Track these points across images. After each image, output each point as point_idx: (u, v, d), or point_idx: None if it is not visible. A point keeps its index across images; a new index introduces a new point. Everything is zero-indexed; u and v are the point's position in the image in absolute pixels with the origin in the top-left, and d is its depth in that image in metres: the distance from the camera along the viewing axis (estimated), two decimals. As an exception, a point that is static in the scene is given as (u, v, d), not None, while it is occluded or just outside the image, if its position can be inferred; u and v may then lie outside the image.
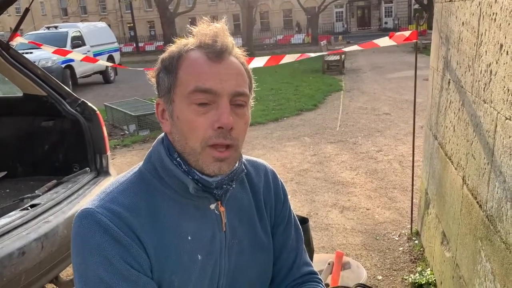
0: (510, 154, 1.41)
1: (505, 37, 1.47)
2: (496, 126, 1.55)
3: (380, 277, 2.87)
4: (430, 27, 18.68)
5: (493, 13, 1.59)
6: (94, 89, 13.71)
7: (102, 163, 2.78)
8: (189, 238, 0.90)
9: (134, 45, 34.71)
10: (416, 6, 33.02)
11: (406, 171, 4.68)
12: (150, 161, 0.93)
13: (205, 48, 0.87)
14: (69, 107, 2.78)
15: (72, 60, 12.15)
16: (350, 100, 9.21)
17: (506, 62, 1.45)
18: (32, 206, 2.23)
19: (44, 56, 11.50)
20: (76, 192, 2.47)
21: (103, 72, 14.82)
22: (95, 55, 13.78)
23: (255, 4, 25.70)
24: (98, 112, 2.85)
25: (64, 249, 2.13)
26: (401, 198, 4.07)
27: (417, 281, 2.70)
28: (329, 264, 2.25)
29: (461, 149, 2.05)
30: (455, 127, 2.19)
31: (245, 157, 1.05)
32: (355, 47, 3.69)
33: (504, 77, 1.47)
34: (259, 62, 3.42)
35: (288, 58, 3.45)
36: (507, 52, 1.45)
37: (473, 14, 1.88)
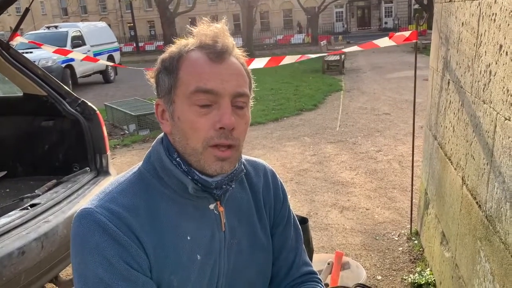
0: (510, 155, 1.41)
1: (505, 38, 1.47)
2: (495, 126, 1.55)
3: (379, 277, 2.87)
4: (430, 27, 18.68)
5: (493, 14, 1.60)
6: (94, 88, 13.71)
7: (102, 163, 2.79)
8: (188, 238, 0.90)
9: (134, 44, 34.71)
10: (416, 6, 33.02)
11: (406, 171, 4.69)
12: (149, 161, 0.93)
13: (205, 49, 0.87)
14: (69, 107, 2.78)
15: (72, 60, 12.15)
16: (350, 100, 9.21)
17: (506, 63, 1.46)
18: (32, 205, 2.23)
19: (44, 55, 11.50)
20: (76, 191, 2.47)
21: (103, 72, 14.82)
22: (95, 54, 13.78)
23: (255, 4, 25.67)
24: (98, 112, 2.85)
25: (64, 248, 2.13)
26: (401, 198, 4.07)
27: (416, 281, 2.71)
28: (328, 264, 2.25)
29: (461, 149, 2.05)
30: (455, 127, 2.19)
31: (244, 157, 1.05)
32: (355, 48, 3.69)
33: (504, 77, 1.47)
34: (259, 63, 3.42)
35: (288, 60, 3.45)
36: (507, 52, 1.45)
37: (472, 14, 1.89)
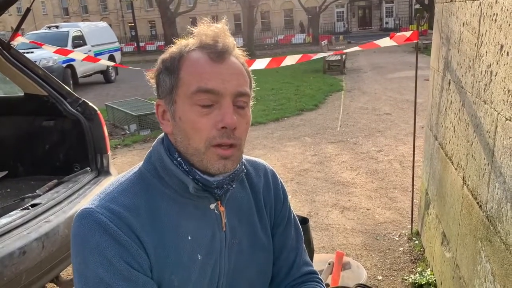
0: (510, 155, 1.41)
1: (506, 38, 1.47)
2: (496, 126, 1.55)
3: (380, 277, 2.87)
4: (431, 27, 18.66)
5: (494, 14, 1.60)
6: (95, 88, 13.72)
7: (102, 163, 2.79)
8: (189, 238, 0.90)
9: (135, 44, 34.73)
10: (417, 6, 33.01)
11: (407, 171, 4.68)
12: (150, 161, 0.94)
13: (206, 49, 0.87)
14: (70, 107, 2.79)
15: (73, 60, 12.16)
16: (351, 100, 9.20)
17: (507, 63, 1.45)
18: (33, 205, 2.24)
19: (45, 55, 11.52)
20: (76, 191, 2.48)
21: (104, 72, 14.83)
22: (96, 54, 13.79)
23: (256, 4, 25.67)
24: (99, 112, 2.85)
25: (64, 248, 2.13)
26: (402, 198, 4.07)
27: (417, 281, 2.70)
28: (329, 264, 2.25)
29: (462, 149, 2.05)
30: (456, 127, 2.19)
31: (245, 157, 1.05)
32: (356, 48, 3.69)
33: (505, 77, 1.47)
34: (260, 64, 3.42)
35: (289, 60, 3.45)
36: (508, 53, 1.45)
37: (473, 14, 1.88)
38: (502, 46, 1.50)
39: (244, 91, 0.88)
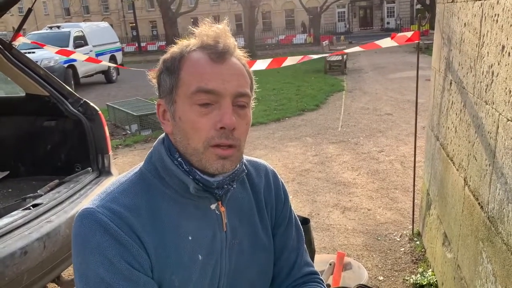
0: (512, 156, 1.41)
1: (507, 39, 1.47)
2: (497, 127, 1.54)
3: (381, 278, 2.87)
4: (432, 27, 18.65)
5: (495, 14, 1.59)
6: (96, 88, 13.74)
7: (104, 163, 2.79)
8: (190, 238, 0.90)
9: (136, 44, 34.76)
10: (418, 6, 32.98)
11: (408, 171, 4.68)
12: (150, 161, 0.94)
13: (207, 49, 0.87)
14: (71, 107, 2.79)
15: (74, 60, 12.18)
16: (352, 100, 9.20)
17: (508, 64, 1.45)
18: (34, 205, 2.24)
19: (46, 55, 11.54)
20: (78, 192, 2.48)
21: (105, 72, 14.85)
22: (98, 55, 13.82)
23: (257, 4, 25.67)
24: (100, 112, 2.86)
25: (66, 248, 2.14)
26: (403, 199, 4.07)
27: (418, 282, 2.70)
28: (330, 264, 2.25)
29: (463, 150, 2.05)
30: (457, 128, 2.19)
31: (245, 157, 1.05)
32: (357, 48, 3.69)
33: (506, 78, 1.47)
34: (261, 65, 3.42)
35: (290, 61, 3.45)
36: (509, 53, 1.44)
37: (475, 15, 1.88)
38: (503, 47, 1.50)
39: (244, 92, 0.88)
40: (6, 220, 2.05)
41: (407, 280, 2.80)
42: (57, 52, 4.68)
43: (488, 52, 1.68)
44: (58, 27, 14.65)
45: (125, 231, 0.83)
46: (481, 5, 1.78)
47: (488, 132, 1.65)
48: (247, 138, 0.93)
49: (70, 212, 2.25)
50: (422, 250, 3.09)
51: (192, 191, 0.89)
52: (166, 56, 0.91)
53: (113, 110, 8.15)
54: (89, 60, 5.65)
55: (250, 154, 1.09)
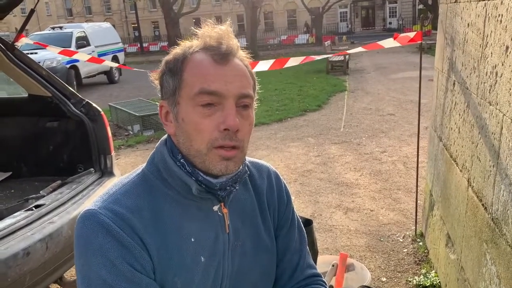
0: (516, 157, 1.40)
1: (511, 39, 1.46)
2: (501, 128, 1.54)
3: (384, 279, 2.86)
4: (434, 27, 18.61)
5: (499, 15, 1.58)
6: (99, 89, 13.76)
7: (106, 164, 2.79)
8: (192, 239, 0.90)
9: (139, 45, 34.80)
10: (421, 6, 32.92)
11: (411, 172, 4.66)
12: (153, 163, 0.93)
13: (210, 50, 0.87)
14: (73, 108, 2.79)
15: (77, 61, 12.21)
16: (354, 100, 9.19)
17: (512, 64, 1.44)
18: (37, 206, 2.24)
19: (49, 56, 11.57)
20: (80, 192, 2.48)
21: (108, 73, 14.88)
22: (100, 55, 13.84)
23: (259, 4, 25.66)
24: (102, 113, 2.86)
25: (68, 249, 2.14)
26: (406, 200, 4.05)
27: (421, 283, 2.69)
28: (333, 265, 2.25)
29: (466, 151, 2.04)
30: (460, 128, 2.18)
31: (248, 159, 1.04)
32: (359, 49, 3.68)
33: (510, 79, 1.46)
34: (263, 65, 3.41)
35: (292, 62, 3.44)
36: (513, 53, 1.44)
37: (478, 15, 1.87)
38: (507, 47, 1.49)
39: (247, 93, 0.88)
40: (8, 221, 2.05)
41: (410, 281, 2.79)
42: (59, 53, 4.69)
43: (492, 53, 1.67)
44: (61, 27, 14.70)
45: (127, 232, 0.83)
46: (485, 6, 1.77)
47: (492, 133, 1.64)
48: (249, 139, 0.93)
49: (73, 213, 2.25)
50: (425, 251, 3.08)
51: (195, 192, 0.88)
52: (168, 57, 0.91)
53: (115, 111, 8.16)
54: (92, 60, 5.67)
55: (252, 154, 1.09)
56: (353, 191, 4.37)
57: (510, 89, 1.46)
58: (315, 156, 5.62)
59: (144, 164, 0.95)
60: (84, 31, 14.27)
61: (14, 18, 40.23)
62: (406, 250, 3.19)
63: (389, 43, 3.14)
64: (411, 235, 3.37)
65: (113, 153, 2.87)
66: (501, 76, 1.56)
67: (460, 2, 2.24)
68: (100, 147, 2.78)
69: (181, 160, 0.89)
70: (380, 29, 41.06)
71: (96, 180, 2.68)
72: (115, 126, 7.85)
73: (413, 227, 3.42)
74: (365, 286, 1.88)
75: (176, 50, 0.91)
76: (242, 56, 0.91)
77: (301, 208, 4.00)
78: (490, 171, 1.65)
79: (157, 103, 0.94)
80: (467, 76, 2.04)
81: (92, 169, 2.75)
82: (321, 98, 9.53)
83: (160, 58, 0.95)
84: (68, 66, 12.43)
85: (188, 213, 0.91)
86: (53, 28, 14.60)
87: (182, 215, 0.90)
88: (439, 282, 2.62)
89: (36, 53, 10.86)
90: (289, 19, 44.42)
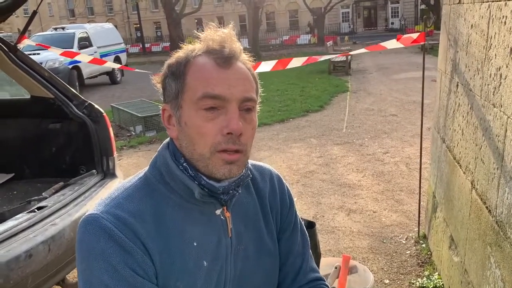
0: (521, 159, 1.39)
1: (516, 41, 1.45)
2: (506, 130, 1.53)
3: (387, 281, 2.85)
4: (437, 28, 18.56)
5: (503, 16, 1.57)
6: (101, 90, 13.79)
7: (108, 165, 2.79)
8: (195, 244, 0.89)
9: (141, 46, 34.84)
10: (423, 6, 32.85)
11: (413, 173, 4.65)
12: (155, 166, 0.93)
13: (213, 54, 0.86)
14: (76, 110, 2.79)
15: (79, 61, 12.22)
16: (357, 101, 9.17)
17: (517, 66, 1.43)
18: (39, 208, 2.24)
19: (51, 57, 11.58)
20: (82, 194, 2.48)
21: (110, 73, 14.90)
22: (102, 56, 13.86)
23: (261, 5, 25.66)
24: (104, 114, 2.86)
25: (70, 251, 2.13)
26: (408, 201, 4.04)
27: (424, 285, 2.68)
28: (336, 268, 2.23)
29: (470, 153, 2.03)
30: (464, 130, 2.17)
31: (250, 162, 1.04)
32: (362, 50, 3.67)
33: (515, 81, 1.45)
34: (266, 66, 3.41)
35: (295, 62, 3.44)
36: (518, 55, 1.43)
37: (482, 16, 1.86)
38: (511, 49, 1.48)
39: (250, 97, 0.88)
40: (11, 223, 2.05)
41: (413, 283, 2.78)
42: (61, 54, 4.69)
43: (495, 55, 1.66)
44: (63, 28, 14.73)
45: (129, 237, 0.83)
46: (489, 7, 1.76)
47: (496, 135, 1.63)
48: (252, 143, 0.92)
49: (75, 215, 2.25)
50: (428, 253, 3.07)
51: (197, 196, 0.88)
52: (171, 60, 0.90)
53: (117, 111, 8.17)
54: (94, 61, 5.68)
55: (254, 155, 1.08)
56: (355, 192, 4.36)
57: (514, 91, 1.45)
58: (317, 157, 5.61)
59: (147, 168, 0.95)
60: (86, 32, 14.29)
61: (17, 19, 40.32)
62: (409, 252, 3.18)
63: (392, 44, 3.13)
64: (414, 237, 3.36)
65: (115, 155, 2.87)
66: (505, 78, 1.55)
67: (463, 3, 2.23)
68: (103, 149, 2.78)
69: (184, 164, 0.89)
70: (382, 29, 41.01)
71: (99, 181, 2.68)
72: (117, 127, 7.86)
73: (416, 229, 3.40)
74: (368, 288, 1.86)
75: (179, 54, 0.90)
76: (245, 60, 0.91)
77: (303, 209, 3.99)
78: (494, 173, 1.64)
79: (159, 104, 0.93)
80: (471, 78, 2.03)
81: (94, 170, 2.75)
82: (323, 98, 9.52)
83: (162, 59, 0.94)
84: (70, 66, 12.45)
85: (190, 217, 0.90)
86: (55, 29, 14.63)
87: (184, 219, 0.89)
88: (442, 284, 2.61)
89: (38, 53, 10.88)
90: (291, 19, 44.40)
